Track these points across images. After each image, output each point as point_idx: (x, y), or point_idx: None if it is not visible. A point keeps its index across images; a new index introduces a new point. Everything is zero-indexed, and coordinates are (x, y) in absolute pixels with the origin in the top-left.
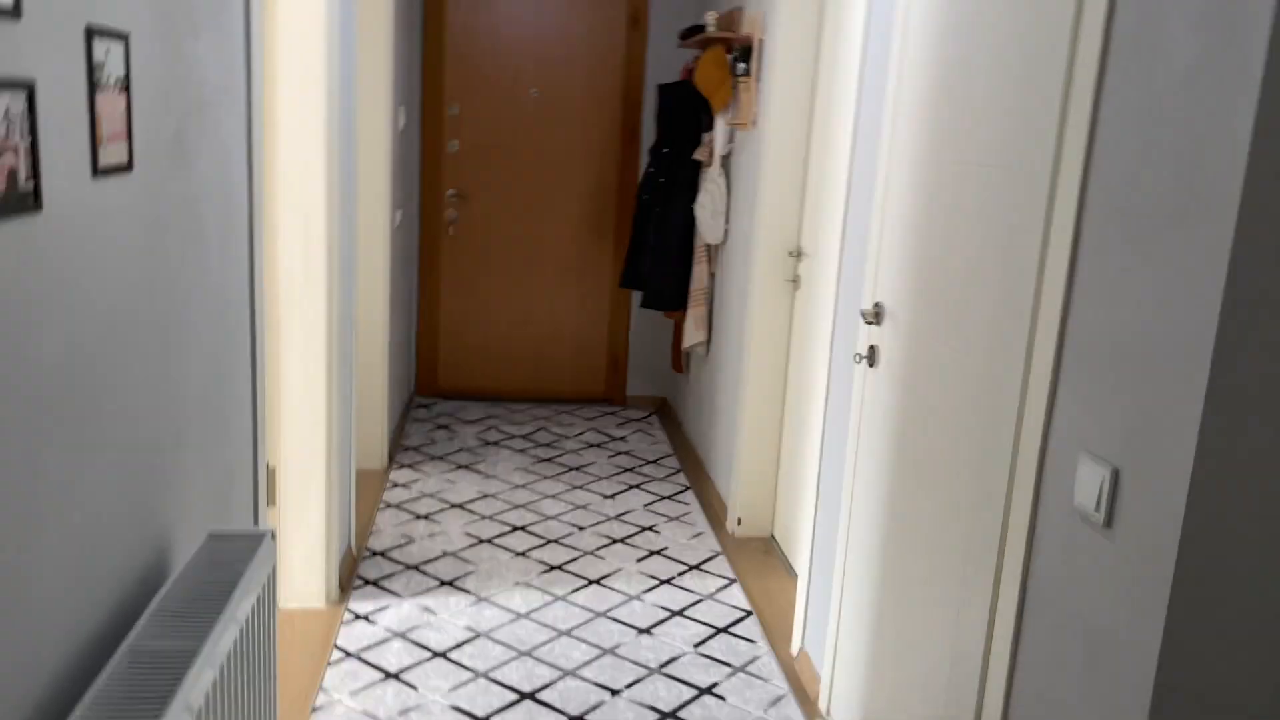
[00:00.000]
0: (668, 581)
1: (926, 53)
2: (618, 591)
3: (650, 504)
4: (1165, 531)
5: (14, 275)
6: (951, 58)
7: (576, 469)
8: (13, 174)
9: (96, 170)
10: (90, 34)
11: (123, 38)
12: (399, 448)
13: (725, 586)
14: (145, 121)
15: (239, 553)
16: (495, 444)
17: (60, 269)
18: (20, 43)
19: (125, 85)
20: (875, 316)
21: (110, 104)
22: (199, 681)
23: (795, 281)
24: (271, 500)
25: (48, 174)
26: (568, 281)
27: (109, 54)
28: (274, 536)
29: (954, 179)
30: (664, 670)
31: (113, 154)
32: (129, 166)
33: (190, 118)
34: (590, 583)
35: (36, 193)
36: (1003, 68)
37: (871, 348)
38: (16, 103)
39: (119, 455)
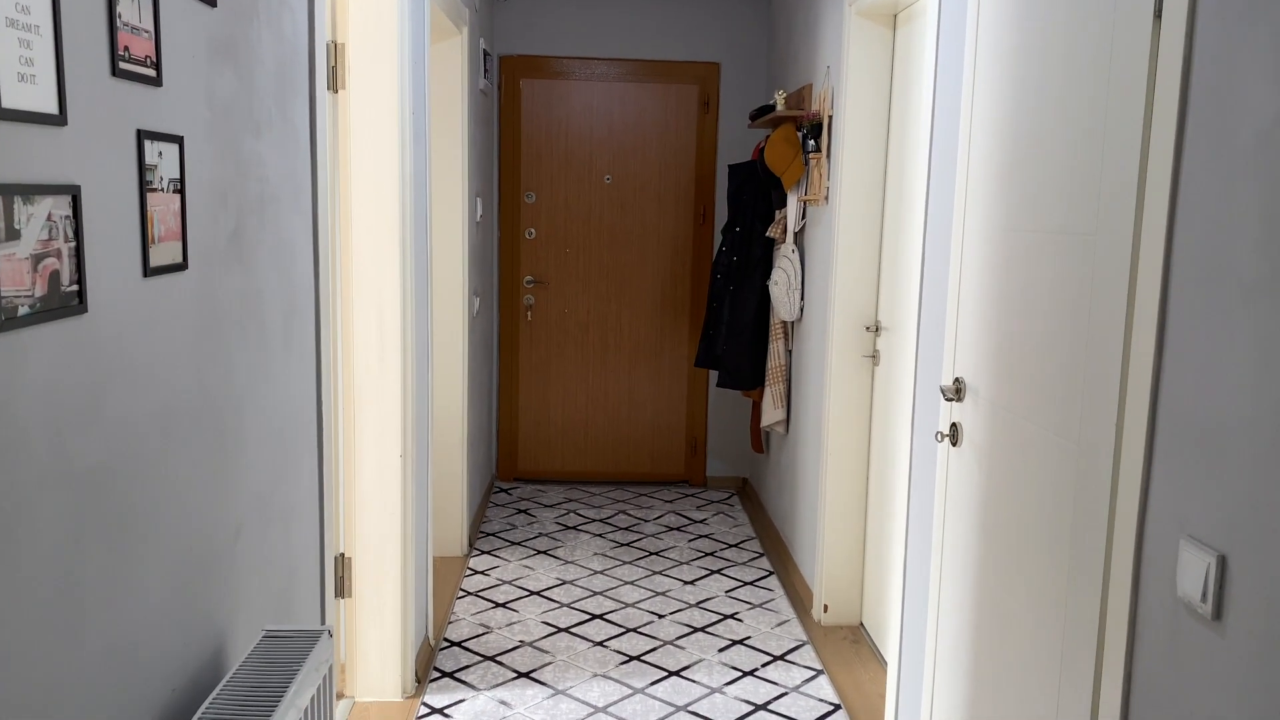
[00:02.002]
0: (751, 673)
1: (996, 119)
2: (699, 684)
3: (732, 590)
4: None
5: (55, 375)
6: (1023, 123)
7: (656, 554)
8: (55, 276)
9: (148, 270)
10: (141, 138)
11: (176, 140)
12: (479, 533)
13: (812, 678)
14: (201, 220)
15: (295, 651)
16: (574, 528)
17: (107, 367)
18: (65, 148)
19: (180, 186)
20: (956, 393)
21: (163, 204)
22: None
23: (874, 357)
24: (346, 592)
25: (94, 275)
26: (645, 363)
27: (162, 156)
28: (331, 633)
29: (1030, 248)
30: None
31: (165, 253)
32: (183, 265)
33: (250, 215)
34: (670, 674)
35: (80, 295)
36: (1077, 130)
37: (954, 425)
38: (60, 207)
39: (168, 555)
